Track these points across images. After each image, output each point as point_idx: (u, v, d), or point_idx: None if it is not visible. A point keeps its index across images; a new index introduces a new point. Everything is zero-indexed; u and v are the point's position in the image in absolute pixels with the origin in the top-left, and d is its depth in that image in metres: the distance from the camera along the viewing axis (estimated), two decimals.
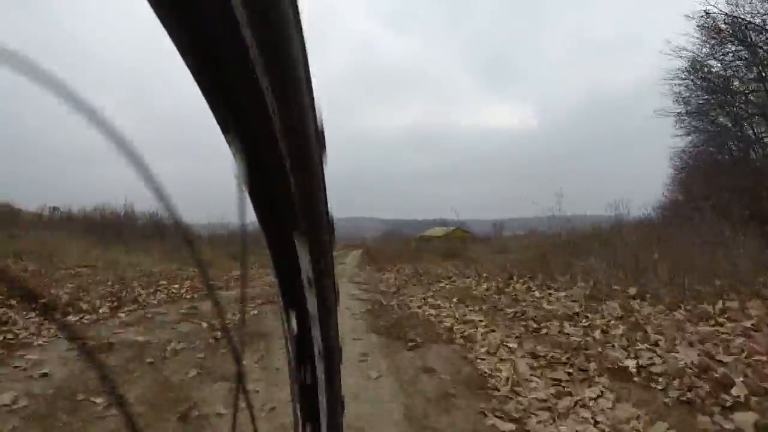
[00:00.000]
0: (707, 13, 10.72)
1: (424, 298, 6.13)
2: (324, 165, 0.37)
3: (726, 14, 10.35)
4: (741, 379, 2.41)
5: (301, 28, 0.27)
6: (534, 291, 6.00)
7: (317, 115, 0.32)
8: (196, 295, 6.02)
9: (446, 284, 7.74)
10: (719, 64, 11.38)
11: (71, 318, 4.33)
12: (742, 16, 10.11)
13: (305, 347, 0.42)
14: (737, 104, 11.40)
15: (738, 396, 2.27)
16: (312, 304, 0.40)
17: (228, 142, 0.27)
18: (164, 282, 7.05)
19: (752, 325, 3.30)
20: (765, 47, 10.19)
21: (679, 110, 12.47)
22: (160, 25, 0.21)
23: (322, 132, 0.35)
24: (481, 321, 4.45)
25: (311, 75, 0.31)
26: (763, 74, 10.57)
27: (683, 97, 12.29)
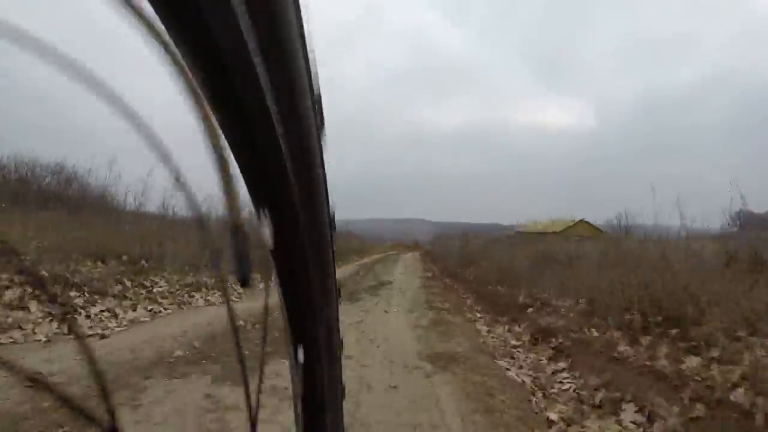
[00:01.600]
0: None
1: None
2: (325, 169, 0.38)
3: None
4: None
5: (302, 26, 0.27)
6: None
7: (318, 122, 0.33)
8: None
9: None
10: None
11: None
12: None
13: (303, 332, 0.43)
14: None
15: None
16: (311, 298, 0.41)
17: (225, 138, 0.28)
18: None
19: None
20: None
21: None
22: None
23: (324, 141, 0.36)
24: None
25: (316, 73, 0.31)
26: None
27: None
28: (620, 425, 2.53)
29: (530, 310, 5.58)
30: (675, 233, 6.24)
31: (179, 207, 9.55)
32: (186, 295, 5.86)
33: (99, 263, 5.71)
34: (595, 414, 2.69)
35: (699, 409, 2.46)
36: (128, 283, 5.38)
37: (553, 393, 3.08)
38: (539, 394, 3.05)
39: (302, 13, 0.27)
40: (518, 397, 2.95)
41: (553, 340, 4.15)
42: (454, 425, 2.43)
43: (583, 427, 2.53)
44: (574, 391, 3.07)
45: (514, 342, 4.53)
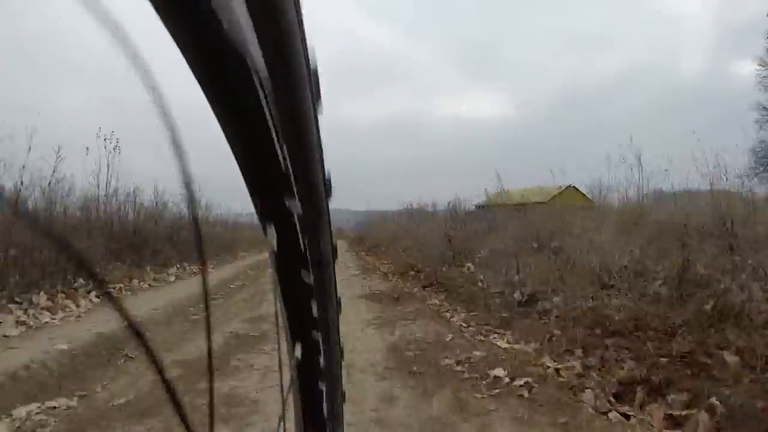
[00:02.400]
0: None
1: None
2: (325, 167, 0.38)
3: None
4: None
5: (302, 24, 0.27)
6: None
7: (317, 123, 0.33)
8: None
9: None
10: None
11: None
12: None
13: (302, 330, 0.44)
14: None
15: None
16: (311, 297, 0.41)
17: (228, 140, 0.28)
18: None
19: None
20: None
21: None
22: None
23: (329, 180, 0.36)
24: None
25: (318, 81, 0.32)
26: None
27: None
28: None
29: None
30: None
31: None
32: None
33: None
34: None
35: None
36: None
37: None
38: None
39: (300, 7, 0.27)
40: None
41: None
42: None
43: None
44: None
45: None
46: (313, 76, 0.31)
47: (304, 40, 0.28)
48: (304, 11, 0.27)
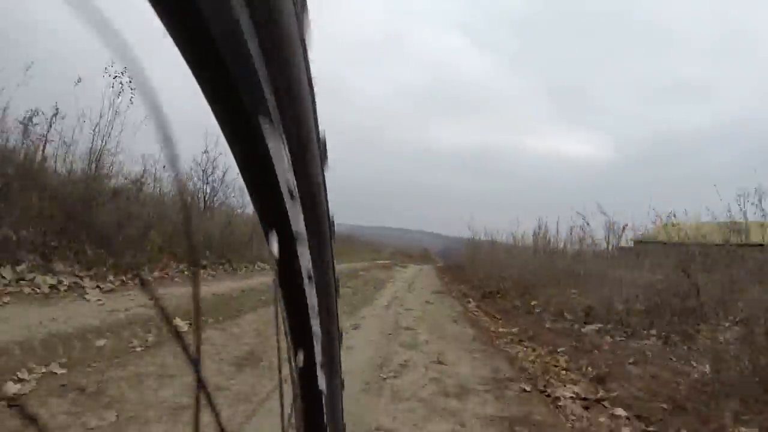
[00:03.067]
0: None
1: None
2: (325, 171, 0.38)
3: None
4: None
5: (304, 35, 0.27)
6: None
7: (318, 125, 0.33)
8: None
9: None
10: None
11: None
12: None
13: (303, 334, 0.44)
14: None
15: None
16: (311, 296, 0.41)
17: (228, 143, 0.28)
18: None
19: None
20: None
21: None
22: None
23: (324, 143, 0.36)
24: None
25: (314, 90, 0.32)
26: None
27: None
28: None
29: None
30: None
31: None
32: None
33: None
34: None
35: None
36: None
37: None
38: None
39: (304, 16, 0.27)
40: None
41: None
42: None
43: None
44: None
45: None
46: (321, 136, 0.33)
47: (305, 48, 0.28)
48: (305, 17, 0.27)
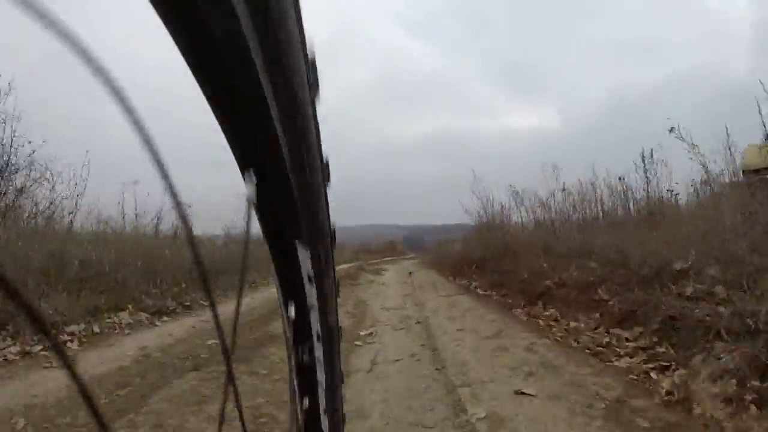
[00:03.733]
0: None
1: None
2: (327, 185, 0.41)
3: None
4: None
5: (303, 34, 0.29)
6: None
7: (320, 143, 0.36)
8: None
9: None
10: None
11: None
12: None
13: (303, 331, 0.46)
14: None
15: None
16: (312, 296, 0.44)
17: (237, 162, 0.30)
18: None
19: None
20: None
21: None
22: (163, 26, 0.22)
23: (327, 164, 0.39)
24: None
25: (317, 102, 0.35)
26: None
27: None
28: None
29: None
30: None
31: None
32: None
33: None
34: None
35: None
36: None
37: None
38: None
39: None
40: None
41: None
42: None
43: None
44: None
45: None
46: (311, 65, 0.32)
47: (301, 27, 0.29)
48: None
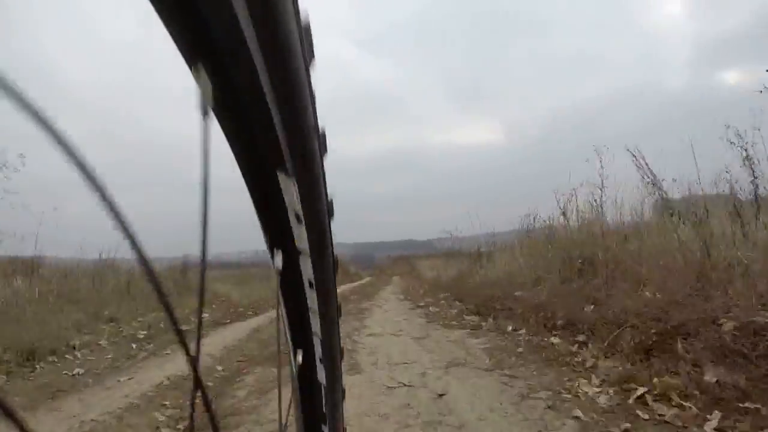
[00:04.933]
0: None
1: None
2: (324, 156, 0.38)
3: None
4: None
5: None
6: None
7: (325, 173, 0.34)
8: None
9: None
10: None
11: None
12: None
13: (304, 335, 0.45)
14: None
15: None
16: (301, 239, 0.40)
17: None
18: None
19: None
20: None
21: None
22: None
23: (329, 198, 0.36)
24: None
25: (311, 69, 0.32)
26: None
27: None
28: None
29: None
30: None
31: None
32: None
33: None
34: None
35: None
36: None
37: None
38: None
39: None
40: None
41: None
42: None
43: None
44: None
45: None
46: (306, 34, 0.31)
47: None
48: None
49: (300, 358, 0.46)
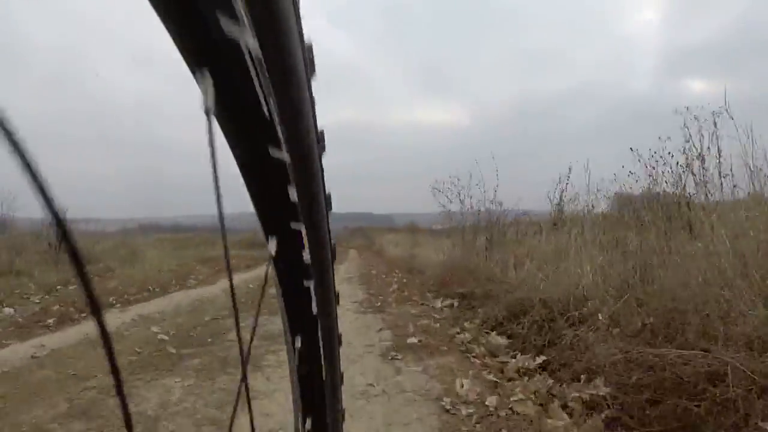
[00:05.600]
0: None
1: None
2: (322, 154, 0.40)
3: None
4: None
5: None
6: None
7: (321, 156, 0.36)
8: None
9: None
10: None
11: None
12: None
13: (302, 322, 0.45)
14: None
15: None
16: (311, 292, 0.43)
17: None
18: None
19: None
20: None
21: None
22: None
23: (322, 134, 0.38)
24: None
25: (312, 79, 0.33)
26: None
27: None
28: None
29: None
30: None
31: None
32: None
33: None
34: None
35: None
36: None
37: None
38: None
39: None
40: None
41: None
42: None
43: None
44: None
45: None
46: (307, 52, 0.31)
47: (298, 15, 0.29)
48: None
49: (299, 343, 0.47)
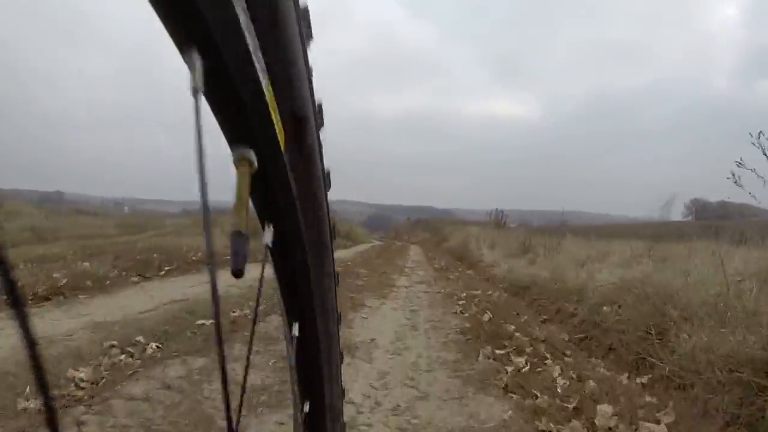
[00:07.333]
0: None
1: None
2: (320, 136, 0.37)
3: None
4: None
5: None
6: None
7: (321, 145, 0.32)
8: None
9: None
10: None
11: None
12: None
13: (301, 311, 0.44)
14: None
15: None
16: (295, 211, 0.40)
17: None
18: None
19: None
20: None
21: None
22: None
23: (320, 108, 0.34)
24: None
25: (308, 48, 0.31)
26: None
27: None
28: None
29: None
30: None
31: None
32: None
33: None
34: None
35: None
36: None
37: None
38: None
39: None
40: None
41: None
42: None
43: None
44: None
45: None
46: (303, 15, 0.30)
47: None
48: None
49: (296, 330, 0.46)
